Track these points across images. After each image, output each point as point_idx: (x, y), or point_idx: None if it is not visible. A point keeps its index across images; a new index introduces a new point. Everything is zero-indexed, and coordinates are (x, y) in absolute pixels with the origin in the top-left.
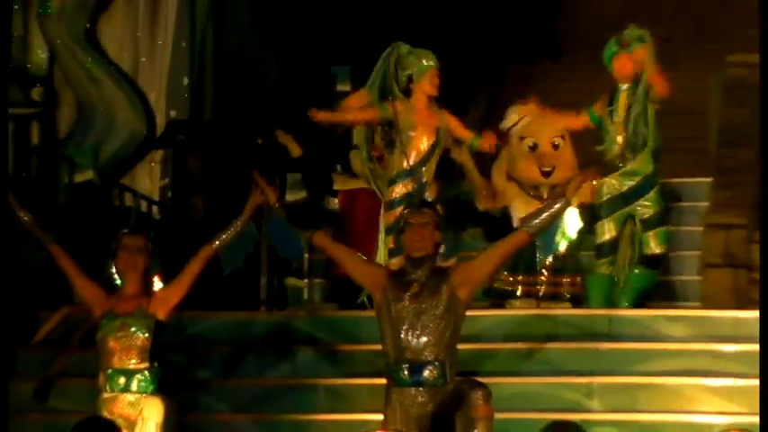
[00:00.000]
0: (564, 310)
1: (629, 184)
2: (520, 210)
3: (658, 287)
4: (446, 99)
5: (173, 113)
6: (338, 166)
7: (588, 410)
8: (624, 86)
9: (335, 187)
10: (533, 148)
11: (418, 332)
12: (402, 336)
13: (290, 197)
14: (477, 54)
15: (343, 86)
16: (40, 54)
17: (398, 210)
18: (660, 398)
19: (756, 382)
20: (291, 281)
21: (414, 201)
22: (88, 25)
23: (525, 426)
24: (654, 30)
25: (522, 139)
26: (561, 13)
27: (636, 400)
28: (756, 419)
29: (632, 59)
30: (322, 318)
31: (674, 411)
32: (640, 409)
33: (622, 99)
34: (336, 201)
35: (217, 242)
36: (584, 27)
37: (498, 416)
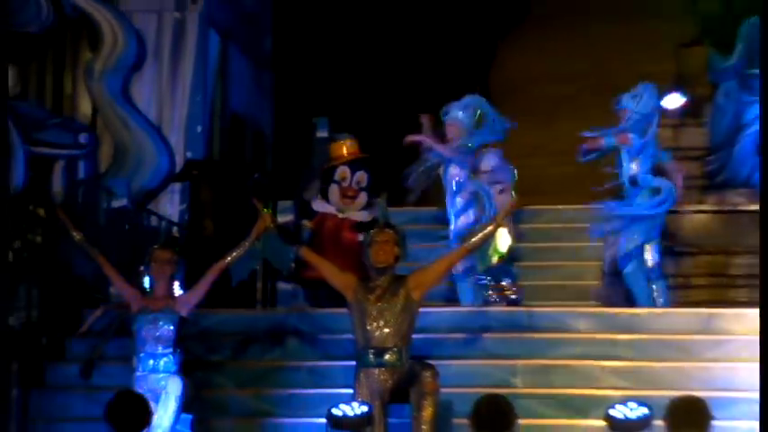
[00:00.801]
0: (495, 308)
1: None
2: None
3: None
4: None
5: (189, 154)
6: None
7: (513, 387)
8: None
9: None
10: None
11: (381, 325)
12: (369, 328)
13: (280, 220)
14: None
15: (321, 134)
16: (85, 107)
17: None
18: (570, 377)
19: (645, 364)
20: (281, 285)
21: (380, 223)
22: (123, 84)
23: (464, 398)
24: (565, 86)
25: None
26: (492, 68)
27: (550, 378)
28: (644, 393)
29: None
30: (305, 314)
31: (580, 387)
32: (554, 386)
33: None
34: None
35: (228, 258)
36: (513, 81)
37: (443, 390)
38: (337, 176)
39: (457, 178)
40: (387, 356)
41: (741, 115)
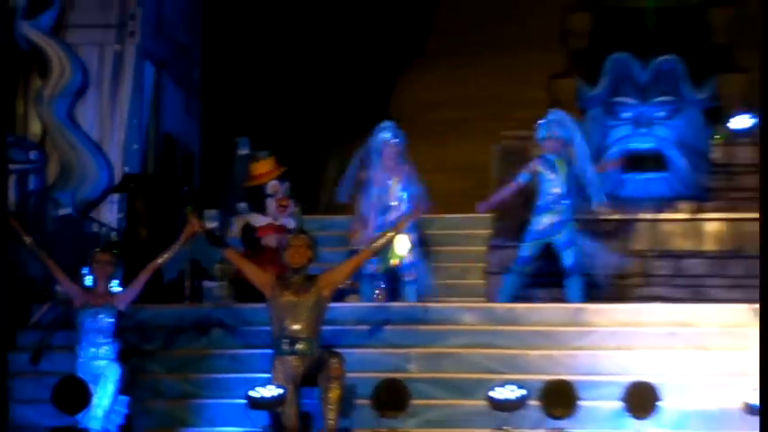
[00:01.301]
0: (395, 304)
1: None
2: None
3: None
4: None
5: (126, 169)
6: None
7: (409, 372)
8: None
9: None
10: None
11: (295, 318)
12: (284, 320)
13: (207, 226)
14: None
15: (242, 151)
16: (36, 127)
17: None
18: (458, 363)
19: (521, 351)
20: (207, 283)
21: (296, 229)
22: (68, 108)
23: (366, 382)
24: (457, 111)
25: None
26: (393, 95)
27: (441, 365)
28: (521, 377)
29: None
30: (228, 308)
31: (466, 372)
32: (444, 371)
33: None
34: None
35: (160, 260)
36: (412, 107)
37: (349, 375)
38: (270, 190)
39: (377, 192)
40: (299, 346)
41: (606, 137)
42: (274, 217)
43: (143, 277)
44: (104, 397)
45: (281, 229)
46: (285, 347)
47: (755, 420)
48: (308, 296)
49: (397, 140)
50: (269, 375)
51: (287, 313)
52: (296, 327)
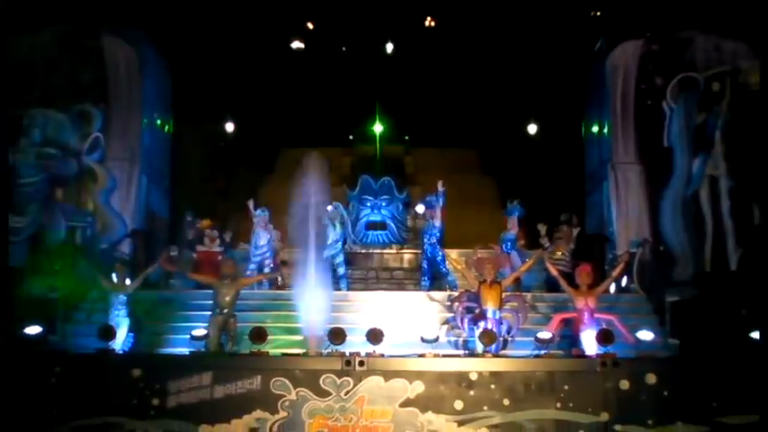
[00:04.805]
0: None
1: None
2: None
3: None
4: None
5: (133, 226)
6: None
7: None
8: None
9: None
10: None
11: (223, 298)
12: (218, 298)
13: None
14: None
15: (188, 218)
16: (90, 206)
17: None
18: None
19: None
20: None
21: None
22: (106, 197)
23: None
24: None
25: None
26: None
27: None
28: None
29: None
30: (188, 292)
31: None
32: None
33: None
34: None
35: (150, 269)
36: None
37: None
38: (207, 234)
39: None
40: (225, 310)
41: (358, 214)
42: (209, 248)
43: (141, 276)
44: (123, 333)
45: (213, 254)
46: (217, 311)
47: (428, 346)
48: (232, 287)
49: None
50: (206, 324)
51: (220, 296)
52: (225, 303)
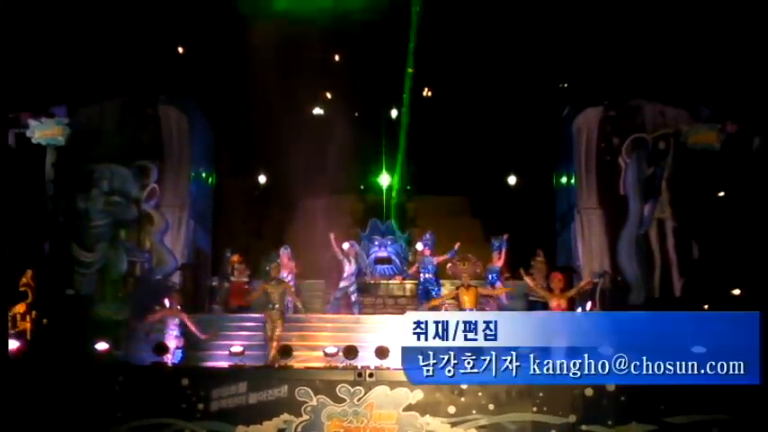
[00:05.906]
0: None
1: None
2: None
3: None
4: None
5: (182, 261)
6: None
7: None
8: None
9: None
10: None
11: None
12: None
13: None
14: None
15: (228, 254)
16: (147, 245)
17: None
18: None
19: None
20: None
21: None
22: (161, 236)
23: None
24: None
25: None
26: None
27: None
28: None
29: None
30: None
31: None
32: None
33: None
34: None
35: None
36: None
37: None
38: (236, 267)
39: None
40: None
41: (369, 250)
42: (237, 278)
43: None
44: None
45: (240, 284)
46: (269, 306)
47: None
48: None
49: None
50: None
51: (270, 296)
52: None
